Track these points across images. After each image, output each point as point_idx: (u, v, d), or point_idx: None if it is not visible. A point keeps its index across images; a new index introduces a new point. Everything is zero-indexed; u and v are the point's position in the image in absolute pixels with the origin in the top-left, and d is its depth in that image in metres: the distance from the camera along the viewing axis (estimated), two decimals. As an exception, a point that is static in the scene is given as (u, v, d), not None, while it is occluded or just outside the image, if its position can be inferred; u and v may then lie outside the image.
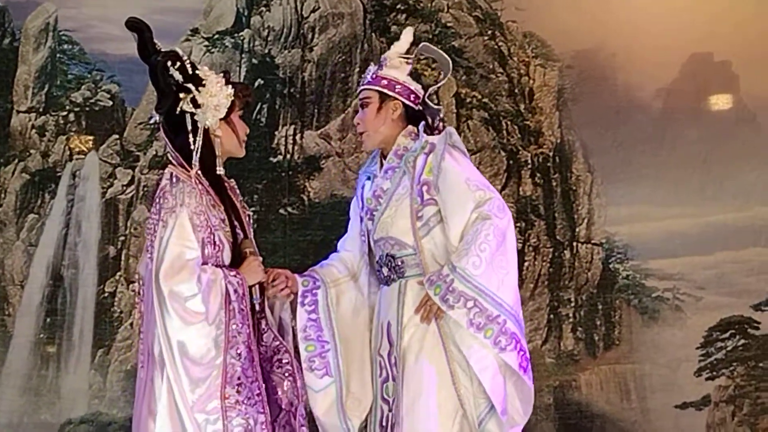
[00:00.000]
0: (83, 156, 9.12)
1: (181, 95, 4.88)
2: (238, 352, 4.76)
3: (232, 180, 5.12)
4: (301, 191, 9.16)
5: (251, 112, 8.95)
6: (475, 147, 9.06)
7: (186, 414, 4.65)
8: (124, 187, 9.10)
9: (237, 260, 4.93)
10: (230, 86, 4.95)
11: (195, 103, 4.87)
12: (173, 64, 4.86)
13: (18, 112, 9.15)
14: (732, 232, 9.23)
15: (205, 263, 4.77)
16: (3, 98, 9.14)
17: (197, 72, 4.92)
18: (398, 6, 9.37)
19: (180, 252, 4.70)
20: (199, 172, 4.87)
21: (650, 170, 9.22)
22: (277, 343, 5.02)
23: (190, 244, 4.73)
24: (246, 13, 9.33)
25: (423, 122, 5.39)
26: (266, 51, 9.28)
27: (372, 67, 5.49)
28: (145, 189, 9.00)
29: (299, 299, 5.33)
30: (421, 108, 5.45)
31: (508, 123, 9.34)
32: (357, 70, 9.30)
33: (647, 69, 9.20)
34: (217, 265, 4.83)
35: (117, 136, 9.15)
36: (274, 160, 9.17)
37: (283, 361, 5.02)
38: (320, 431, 5.40)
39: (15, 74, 9.19)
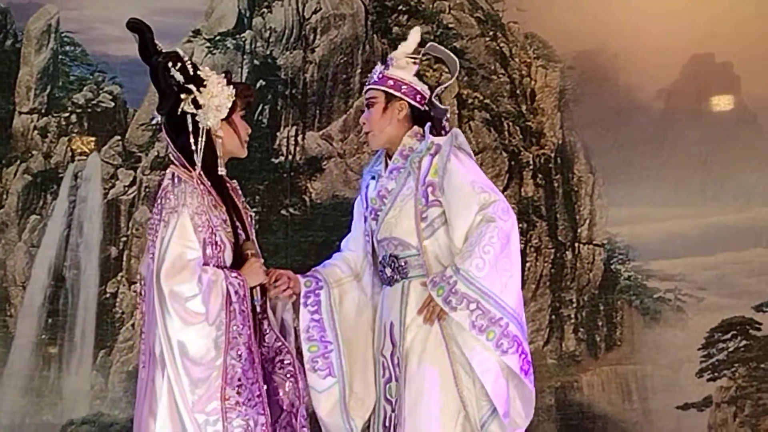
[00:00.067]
0: (85, 157, 9.12)
1: (183, 96, 4.87)
2: (239, 353, 4.75)
3: (234, 181, 5.12)
4: (303, 192, 9.17)
5: (253, 113, 8.95)
6: (476, 148, 9.06)
7: (186, 414, 4.65)
8: (126, 188, 9.11)
9: (238, 261, 4.93)
10: (231, 86, 4.95)
11: (196, 104, 4.87)
12: (174, 65, 4.85)
13: (20, 113, 9.16)
14: (733, 233, 9.23)
15: (206, 264, 4.77)
16: (5, 99, 9.15)
17: (198, 72, 4.91)
18: (400, 7, 9.37)
19: (181, 252, 4.70)
20: (201, 172, 4.87)
21: (651, 171, 9.22)
22: (279, 344, 5.02)
23: (192, 245, 4.73)
24: (248, 15, 9.34)
25: (429, 123, 5.39)
26: (268, 52, 9.29)
27: (378, 67, 5.48)
28: (147, 190, 9.01)
29: (302, 300, 5.33)
30: (427, 108, 5.45)
31: (510, 124, 9.34)
32: (358, 71, 9.30)
33: (648, 70, 9.20)
34: (218, 266, 4.82)
35: (119, 137, 9.16)
36: (276, 161, 9.17)
37: (285, 362, 5.02)
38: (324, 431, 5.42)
39: (17, 76, 9.20)
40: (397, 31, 9.23)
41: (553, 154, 9.34)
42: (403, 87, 5.39)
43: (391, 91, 5.38)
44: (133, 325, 8.86)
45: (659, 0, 9.32)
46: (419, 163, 5.28)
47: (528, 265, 9.07)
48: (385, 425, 5.33)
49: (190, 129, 4.88)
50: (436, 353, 5.19)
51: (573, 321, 9.23)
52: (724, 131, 9.36)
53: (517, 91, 9.39)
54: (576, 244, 9.29)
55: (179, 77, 4.87)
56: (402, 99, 5.38)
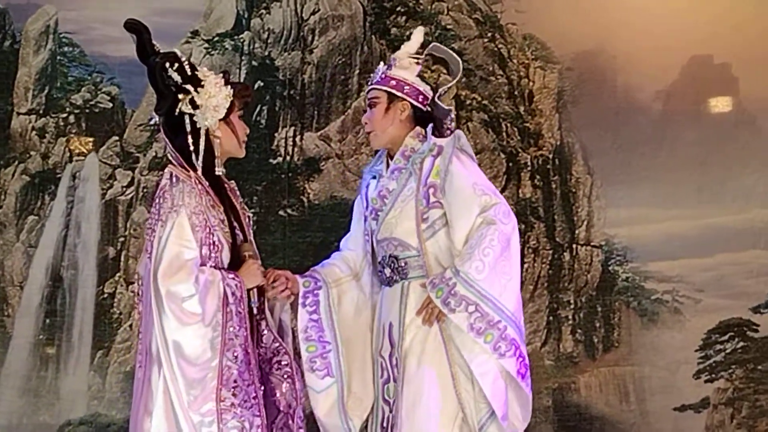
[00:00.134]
0: (83, 157, 9.12)
1: (180, 96, 4.86)
2: (235, 354, 4.75)
3: (233, 181, 5.11)
4: (301, 193, 9.16)
5: (251, 114, 8.95)
6: (474, 149, 8.97)
7: (182, 413, 4.65)
8: (124, 189, 9.11)
9: (236, 262, 4.92)
10: (229, 86, 4.94)
11: (194, 104, 4.86)
12: (171, 65, 4.85)
13: (18, 114, 9.16)
14: (731, 234, 9.23)
15: (203, 264, 4.77)
16: (3, 100, 9.14)
17: (196, 73, 4.90)
18: (398, 8, 9.37)
19: (178, 252, 4.70)
20: (200, 172, 4.88)
21: (650, 172, 9.22)
22: (277, 344, 5.01)
23: (189, 244, 4.73)
24: (246, 16, 9.34)
25: (431, 124, 5.39)
26: (266, 53, 9.29)
27: (381, 67, 5.47)
28: (145, 190, 9.01)
29: (300, 300, 5.32)
30: (429, 109, 5.44)
31: (508, 125, 9.34)
32: (357, 72, 9.30)
33: (647, 71, 9.20)
34: (216, 266, 4.82)
35: (117, 138, 9.16)
36: (274, 161, 9.17)
37: (283, 363, 5.01)
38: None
39: (15, 76, 9.19)
40: (396, 33, 9.24)
41: (551, 155, 9.34)
42: (405, 87, 5.38)
43: (393, 91, 5.38)
44: (130, 325, 8.87)
45: (658, 1, 9.32)
46: (421, 164, 5.28)
47: (526, 266, 9.07)
48: (383, 426, 5.33)
49: (188, 129, 4.87)
50: (434, 355, 5.19)
51: (571, 322, 9.23)
52: (722, 132, 9.37)
53: (516, 92, 9.40)
54: (574, 246, 9.29)
55: (177, 77, 4.86)
56: (404, 99, 5.37)
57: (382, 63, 5.53)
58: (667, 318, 9.25)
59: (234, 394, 4.72)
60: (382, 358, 5.34)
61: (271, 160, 9.16)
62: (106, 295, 8.99)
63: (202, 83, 4.89)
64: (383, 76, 5.41)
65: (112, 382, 8.89)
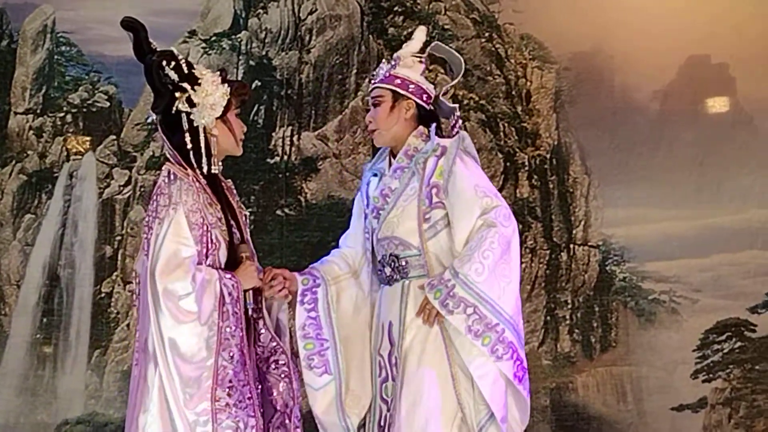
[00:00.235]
0: (80, 156, 9.12)
1: (177, 94, 4.86)
2: (231, 354, 4.74)
3: (229, 180, 5.11)
4: (298, 192, 9.16)
5: (248, 114, 8.95)
6: (472, 149, 9.06)
7: (176, 411, 4.64)
8: (121, 188, 9.11)
9: (232, 263, 4.92)
10: (226, 85, 4.94)
11: (191, 103, 4.86)
12: (168, 64, 4.85)
13: (15, 113, 9.16)
14: (728, 234, 9.23)
15: (200, 262, 4.77)
16: (0, 100, 9.16)
17: (193, 71, 4.90)
18: (395, 8, 9.37)
19: (176, 249, 4.69)
20: (197, 170, 4.87)
21: (647, 172, 9.22)
22: (274, 344, 5.00)
23: (186, 242, 4.73)
24: (243, 15, 9.34)
25: (435, 124, 5.38)
26: (263, 53, 9.29)
27: (384, 66, 5.45)
28: (142, 189, 9.01)
29: (299, 298, 5.31)
30: (432, 108, 5.44)
31: (505, 125, 9.34)
32: (354, 71, 9.31)
33: (644, 71, 9.20)
34: (213, 264, 4.82)
35: (114, 137, 9.16)
36: (271, 161, 9.17)
37: (280, 362, 5.00)
38: (320, 429, 5.39)
39: (13, 76, 9.20)
40: (393, 32, 9.24)
41: (548, 155, 9.34)
42: (410, 86, 5.37)
43: (398, 90, 5.36)
44: (128, 324, 8.87)
45: (655, 1, 9.31)
46: (424, 164, 5.27)
47: (523, 266, 9.04)
48: (380, 425, 5.31)
49: (185, 127, 4.87)
50: (435, 354, 5.18)
51: (568, 322, 9.23)
52: (720, 133, 9.37)
53: (513, 92, 9.40)
54: (571, 246, 9.29)
55: (174, 76, 4.86)
56: (409, 98, 5.37)
57: (384, 61, 5.50)
58: (665, 318, 9.25)
59: (229, 394, 4.72)
60: (381, 357, 5.34)
61: (268, 160, 9.16)
62: (103, 295, 8.99)
63: (199, 81, 4.89)
64: (387, 74, 5.39)
65: (110, 382, 8.89)
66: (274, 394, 4.98)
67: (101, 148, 9.14)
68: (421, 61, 5.44)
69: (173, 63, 4.86)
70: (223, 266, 4.88)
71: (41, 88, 9.20)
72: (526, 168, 9.30)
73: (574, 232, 9.31)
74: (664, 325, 9.24)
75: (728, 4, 9.27)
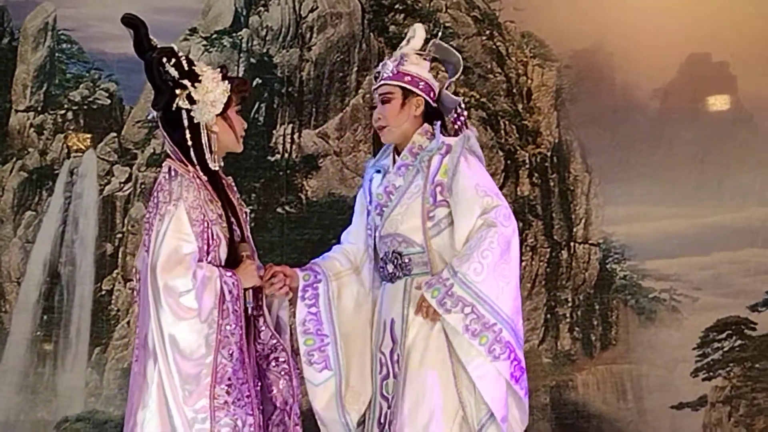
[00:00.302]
0: (81, 154, 9.13)
1: (177, 91, 4.86)
2: (230, 352, 4.75)
3: (230, 177, 5.11)
4: (299, 190, 9.17)
5: (249, 111, 8.95)
6: (473, 147, 9.05)
7: (175, 408, 4.65)
8: (122, 185, 9.11)
9: (232, 260, 4.92)
10: (227, 81, 4.94)
11: (191, 100, 4.86)
12: (169, 60, 4.85)
13: (16, 111, 9.17)
14: (729, 232, 9.23)
15: (201, 259, 4.77)
16: (2, 97, 9.16)
17: (193, 68, 4.90)
18: (396, 6, 9.37)
19: (177, 245, 4.70)
20: (198, 167, 4.87)
21: (647, 170, 9.22)
22: (275, 341, 5.01)
23: (187, 238, 4.73)
24: (244, 13, 9.34)
25: (439, 122, 5.38)
26: (264, 50, 9.29)
27: (389, 63, 5.41)
28: (143, 186, 9.01)
29: (300, 294, 5.31)
30: (436, 105, 5.45)
31: (506, 123, 9.34)
32: (355, 69, 9.31)
33: (645, 69, 9.20)
34: (214, 261, 4.82)
35: (115, 134, 9.16)
36: (272, 158, 9.17)
37: (280, 359, 5.01)
38: (320, 425, 5.39)
39: (14, 73, 9.21)
40: (394, 30, 9.24)
41: (549, 153, 9.34)
42: (420, 83, 5.37)
43: (409, 87, 5.36)
44: (128, 322, 8.87)
45: (656, 0, 9.33)
46: (429, 161, 5.27)
47: (524, 264, 9.06)
48: (380, 422, 5.31)
49: (186, 125, 4.88)
50: (437, 353, 5.18)
51: (568, 320, 9.23)
52: (720, 131, 9.37)
53: (514, 90, 9.40)
54: (572, 244, 9.29)
55: (174, 73, 4.86)
56: (419, 95, 5.37)
57: (387, 58, 5.50)
58: (665, 316, 9.25)
59: (228, 392, 4.72)
60: (382, 354, 5.33)
61: (269, 158, 9.16)
62: (103, 292, 8.99)
63: (200, 78, 4.89)
64: (396, 71, 5.38)
65: (110, 379, 8.89)
66: (274, 391, 4.99)
67: (102, 146, 9.14)
68: (425, 59, 5.44)
69: (173, 60, 4.86)
70: (223, 263, 4.88)
71: (42, 86, 9.20)
72: (527, 166, 9.30)
73: (574, 230, 9.31)
74: (665, 323, 9.24)
75: (729, 3, 9.27)
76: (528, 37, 9.43)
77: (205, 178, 4.87)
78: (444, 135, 5.36)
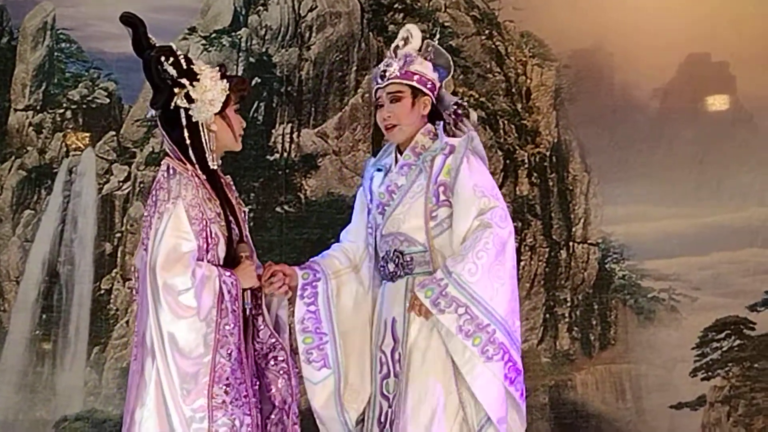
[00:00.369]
0: (80, 153, 9.13)
1: (176, 90, 4.86)
2: (229, 352, 4.75)
3: (228, 176, 5.11)
4: (298, 189, 9.17)
5: (248, 111, 8.95)
6: (472, 146, 9.05)
7: (173, 406, 4.65)
8: (121, 184, 9.11)
9: (231, 259, 4.92)
10: (225, 80, 4.94)
11: (189, 98, 4.86)
12: (167, 59, 4.84)
13: (15, 110, 9.17)
14: (728, 232, 9.23)
15: (200, 257, 4.77)
16: (1, 96, 9.17)
17: (192, 67, 4.89)
18: (395, 5, 9.37)
19: (176, 244, 4.70)
20: (197, 165, 4.87)
21: (647, 170, 9.22)
22: (273, 340, 5.01)
23: (186, 236, 4.73)
24: (243, 12, 9.34)
25: (442, 122, 5.38)
26: (263, 50, 9.29)
27: (393, 62, 5.39)
28: (142, 185, 9.01)
29: (299, 292, 5.30)
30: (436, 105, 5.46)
31: (505, 122, 9.34)
32: (354, 69, 9.31)
33: (644, 69, 9.20)
34: (212, 259, 4.82)
35: (114, 133, 9.16)
36: (271, 158, 9.17)
37: (279, 358, 5.01)
38: (318, 424, 5.39)
39: (13, 73, 9.21)
40: (393, 30, 9.22)
41: (548, 153, 9.34)
42: (428, 83, 5.37)
43: (418, 86, 5.35)
44: (127, 321, 8.87)
45: (655, -1, 9.35)
46: (432, 161, 5.27)
47: (522, 263, 9.07)
48: (380, 420, 5.31)
49: (184, 123, 4.87)
50: (439, 352, 5.17)
51: (567, 320, 9.23)
52: (719, 131, 9.36)
53: (513, 90, 9.40)
54: (571, 243, 9.29)
55: (172, 71, 4.86)
56: (427, 95, 5.38)
57: (388, 59, 5.47)
58: (664, 316, 9.25)
59: (226, 392, 4.72)
60: (383, 353, 5.33)
61: (268, 157, 9.16)
62: (102, 291, 8.99)
63: (198, 77, 4.89)
64: (404, 71, 5.36)
65: (109, 378, 8.89)
66: (273, 390, 4.99)
67: (101, 144, 9.14)
68: (427, 59, 5.45)
69: (172, 59, 4.86)
70: (221, 262, 4.88)
71: (41, 85, 9.20)
72: (526, 165, 9.30)
73: (573, 229, 9.31)
74: (664, 323, 9.24)
75: (728, 3, 9.27)
76: (527, 36, 9.43)
77: (203, 176, 4.87)
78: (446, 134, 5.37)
